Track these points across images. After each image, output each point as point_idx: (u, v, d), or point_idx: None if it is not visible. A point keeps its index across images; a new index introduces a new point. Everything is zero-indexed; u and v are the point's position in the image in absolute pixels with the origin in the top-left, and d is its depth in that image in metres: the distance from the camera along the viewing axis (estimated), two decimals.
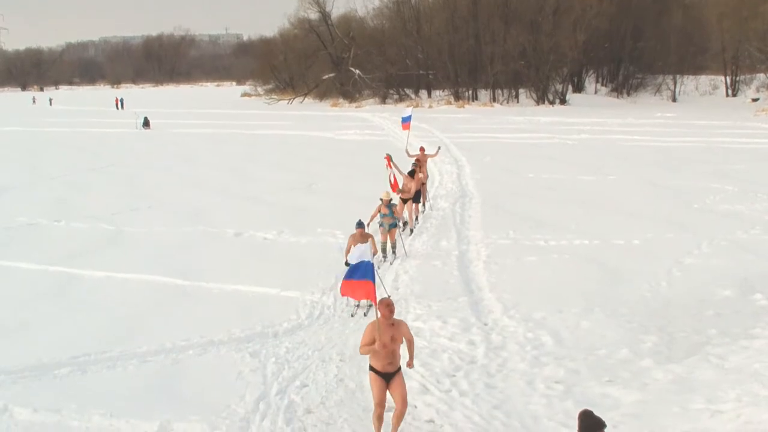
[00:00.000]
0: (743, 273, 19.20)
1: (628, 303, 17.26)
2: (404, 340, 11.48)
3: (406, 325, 11.62)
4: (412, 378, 13.58)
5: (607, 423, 7.93)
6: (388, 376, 11.26)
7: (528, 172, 37.41)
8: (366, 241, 16.04)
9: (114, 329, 16.33)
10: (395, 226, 21.75)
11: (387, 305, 11.25)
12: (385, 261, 21.30)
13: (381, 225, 21.52)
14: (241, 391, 13.23)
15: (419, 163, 27.72)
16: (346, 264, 16.47)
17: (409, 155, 29.62)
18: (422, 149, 30.25)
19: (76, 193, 34.16)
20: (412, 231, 24.95)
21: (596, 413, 8.12)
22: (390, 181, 24.82)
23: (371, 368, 11.38)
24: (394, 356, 11.23)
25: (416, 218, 26.30)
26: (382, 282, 16.48)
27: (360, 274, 11.89)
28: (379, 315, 11.27)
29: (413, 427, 12.01)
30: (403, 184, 25.22)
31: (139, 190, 34.68)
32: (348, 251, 17.81)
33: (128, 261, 21.97)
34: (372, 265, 11.79)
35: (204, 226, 26.35)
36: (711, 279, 18.83)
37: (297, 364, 14.53)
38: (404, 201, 25.26)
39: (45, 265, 21.69)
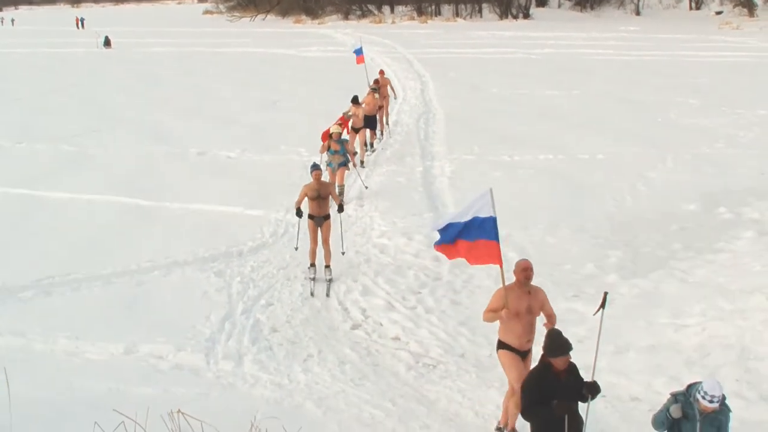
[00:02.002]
0: (707, 187, 19.33)
1: (593, 218, 17.35)
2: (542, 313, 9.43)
3: (545, 294, 9.53)
4: (377, 295, 13.62)
5: (571, 341, 7.96)
6: (524, 354, 9.46)
7: (492, 87, 37.23)
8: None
9: (78, 251, 16.17)
10: (344, 165, 19.40)
11: (524, 269, 9.30)
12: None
13: (329, 164, 19.20)
14: (206, 311, 13.21)
15: (377, 85, 25.80)
16: (298, 214, 14.64)
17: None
18: (381, 72, 28.91)
19: (38, 115, 33.46)
20: (362, 163, 22.78)
21: (562, 331, 8.15)
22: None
23: (503, 345, 9.44)
24: (531, 330, 9.37)
25: (372, 145, 25.01)
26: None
27: (481, 233, 9.36)
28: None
29: (379, 344, 12.07)
30: (352, 113, 22.99)
31: (102, 111, 34.02)
32: (299, 203, 14.59)
33: (91, 182, 21.65)
34: (495, 220, 9.26)
35: (167, 146, 26.00)
36: (675, 193, 18.94)
37: (262, 282, 14.53)
38: (356, 131, 23.26)
39: (7, 188, 21.33)
